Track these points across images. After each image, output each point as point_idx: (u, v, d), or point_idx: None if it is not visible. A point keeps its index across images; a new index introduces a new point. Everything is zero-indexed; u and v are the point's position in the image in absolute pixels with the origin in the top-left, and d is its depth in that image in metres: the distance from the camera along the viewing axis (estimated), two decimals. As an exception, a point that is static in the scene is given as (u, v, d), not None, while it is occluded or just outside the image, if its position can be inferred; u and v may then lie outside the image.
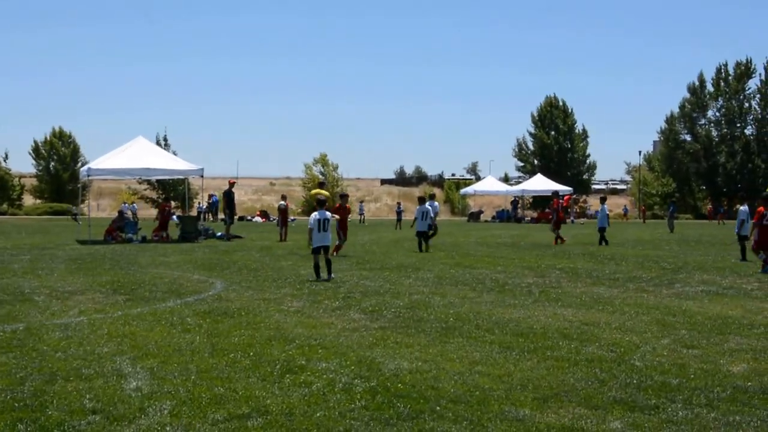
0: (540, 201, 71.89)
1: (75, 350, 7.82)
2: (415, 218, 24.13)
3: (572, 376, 6.72)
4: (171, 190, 64.74)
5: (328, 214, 15.02)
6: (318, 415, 5.54)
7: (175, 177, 38.30)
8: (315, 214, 14.79)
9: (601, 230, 26.46)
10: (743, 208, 20.03)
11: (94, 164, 29.75)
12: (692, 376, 6.72)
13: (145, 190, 67.14)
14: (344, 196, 21.03)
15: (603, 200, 28.63)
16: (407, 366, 7.07)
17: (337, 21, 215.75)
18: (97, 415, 5.56)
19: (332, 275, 14.62)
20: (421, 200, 24.39)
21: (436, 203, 27.08)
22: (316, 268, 14.62)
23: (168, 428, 5.24)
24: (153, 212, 53.77)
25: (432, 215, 23.62)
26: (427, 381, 6.51)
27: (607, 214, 27.45)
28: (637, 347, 7.97)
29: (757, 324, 9.46)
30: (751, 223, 17.13)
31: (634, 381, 6.52)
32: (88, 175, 29.76)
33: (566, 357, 7.47)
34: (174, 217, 36.19)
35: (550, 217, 28.97)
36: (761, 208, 16.94)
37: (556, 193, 31.33)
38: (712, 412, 5.64)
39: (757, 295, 12.33)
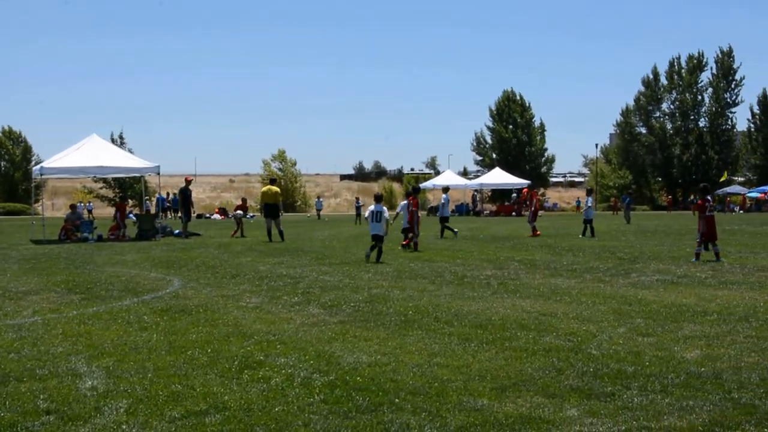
0: (498, 194, 72.48)
1: (29, 351, 7.68)
2: (589, 207, 26.91)
3: (530, 365, 6.78)
4: (128, 189, 63.97)
5: (384, 207, 17.69)
6: (276, 409, 5.51)
7: (131, 175, 37.89)
8: (371, 207, 17.77)
9: (588, 222, 26.72)
10: (588, 198, 21.45)
11: (47, 163, 29.25)
12: (647, 363, 6.82)
13: (101, 188, 66.20)
14: (416, 190, 22.17)
15: (589, 192, 29.81)
16: (366, 359, 7.07)
17: (296, 17, 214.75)
18: (51, 415, 5.46)
19: (380, 261, 16.87)
20: (590, 192, 25.47)
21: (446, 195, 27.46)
22: (370, 252, 17.09)
23: (124, 427, 5.17)
24: (110, 210, 53.15)
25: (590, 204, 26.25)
26: (386, 374, 6.52)
27: (589, 206, 27.75)
28: (594, 336, 8.08)
29: (710, 311, 9.64)
30: (698, 215, 17.39)
31: (591, 369, 6.60)
32: (41, 174, 29.26)
33: (524, 347, 7.54)
34: (131, 215, 35.81)
35: (530, 209, 29.32)
36: (700, 201, 17.27)
37: (531, 186, 31.88)
38: (667, 397, 5.73)
39: (711, 283, 12.57)
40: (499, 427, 5.06)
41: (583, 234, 26.29)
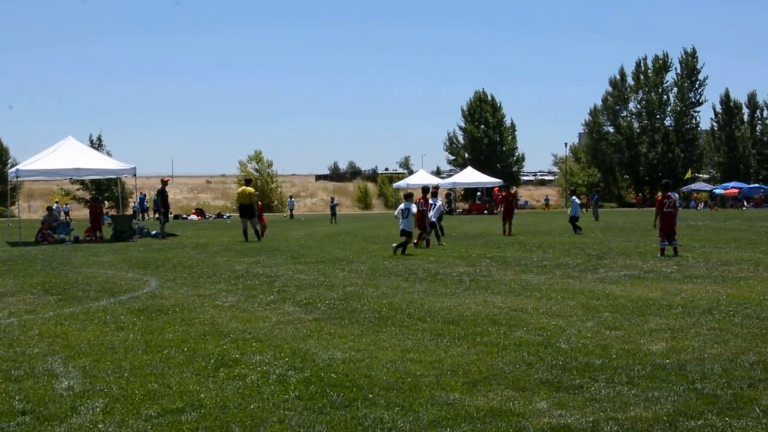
0: (471, 193, 72.92)
1: (4, 352, 7.69)
2: (576, 204, 27.58)
3: (501, 360, 6.93)
4: (105, 190, 63.54)
5: (413, 206, 19.16)
6: (252, 406, 5.60)
7: (107, 177, 37.79)
8: (401, 205, 19.32)
9: (574, 219, 27.00)
10: (574, 198, 23.36)
11: (23, 165, 29.11)
12: (614, 356, 7.00)
13: (78, 190, 65.64)
14: (426, 189, 22.45)
15: (573, 192, 31.02)
16: (341, 356, 7.18)
17: (270, 18, 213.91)
18: (27, 415, 5.50)
19: (405, 253, 18.21)
20: (573, 192, 25.35)
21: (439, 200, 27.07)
22: (397, 247, 18.55)
23: (100, 426, 5.23)
24: (86, 213, 52.68)
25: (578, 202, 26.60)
26: (360, 370, 6.63)
27: (579, 204, 28.50)
28: (563, 330, 8.25)
29: (675, 305, 9.87)
30: (654, 212, 17.62)
31: (560, 363, 6.76)
32: (17, 177, 29.13)
33: (495, 342, 7.69)
34: (107, 216, 35.62)
35: (500, 208, 29.56)
36: (660, 197, 17.52)
37: (507, 186, 32.23)
38: (633, 389, 5.89)
39: (676, 278, 12.84)
40: (470, 421, 5.19)
41: (575, 232, 26.25)
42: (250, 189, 26.32)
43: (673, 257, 16.35)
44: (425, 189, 22.17)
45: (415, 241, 21.02)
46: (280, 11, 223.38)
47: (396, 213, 19.86)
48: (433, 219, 22.44)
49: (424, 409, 5.46)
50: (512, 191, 30.70)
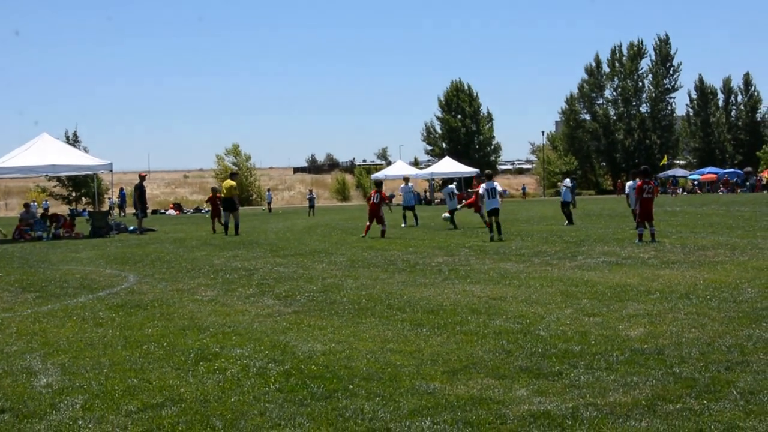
0: (448, 183, 72.97)
1: (-20, 351, 7.61)
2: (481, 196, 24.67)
3: (480, 348, 6.96)
4: (82, 186, 63.02)
5: (496, 184, 19.40)
6: (232, 400, 5.59)
7: (83, 173, 37.59)
8: (483, 185, 19.56)
9: (564, 204, 25.69)
10: (630, 183, 20.94)
11: None
12: (593, 342, 7.06)
13: (55, 187, 65.02)
14: (379, 183, 23.19)
15: (565, 174, 29.92)
16: (321, 348, 7.18)
17: (246, 14, 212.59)
18: (5, 413, 5.46)
19: (501, 236, 18.52)
20: (489, 177, 23.53)
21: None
22: (490, 227, 19.11)
23: (80, 422, 5.20)
24: (64, 209, 52.37)
25: (570, 185, 25.64)
26: (340, 361, 6.64)
27: (569, 187, 26.62)
28: (542, 318, 8.30)
29: (653, 290, 9.96)
30: (634, 198, 17.78)
31: (539, 350, 6.80)
32: None
33: (474, 331, 7.72)
34: (84, 213, 35.42)
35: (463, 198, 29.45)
36: (640, 183, 17.68)
37: (479, 176, 31.92)
38: (612, 374, 5.95)
39: (654, 263, 12.95)
40: (451, 410, 5.21)
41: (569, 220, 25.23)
42: (231, 182, 26.34)
43: (650, 243, 16.48)
44: (481, 176, 22.63)
45: (487, 224, 20.64)
46: (256, 7, 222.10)
47: (481, 192, 20.91)
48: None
49: (405, 399, 5.48)
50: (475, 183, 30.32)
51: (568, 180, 27.38)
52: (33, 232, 27.74)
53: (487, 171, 23.36)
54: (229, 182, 26.31)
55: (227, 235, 24.75)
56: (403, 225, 26.61)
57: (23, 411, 5.49)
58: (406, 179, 29.69)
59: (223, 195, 26.35)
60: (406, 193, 27.83)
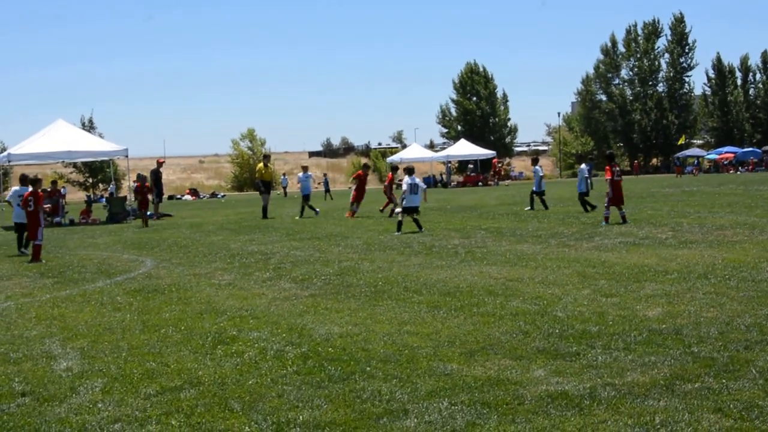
0: (465, 166, 72.82)
1: (2, 335, 7.71)
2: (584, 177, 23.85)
3: (497, 329, 6.95)
4: (98, 173, 63.42)
5: (418, 180, 18.14)
6: (250, 382, 5.62)
7: (99, 159, 37.76)
8: (407, 179, 17.80)
9: (581, 195, 23.30)
10: (584, 166, 23.13)
11: (14, 150, 29.05)
12: (611, 322, 7.02)
13: (71, 173, 65.46)
14: (366, 166, 23.67)
15: (580, 158, 29.74)
16: (338, 330, 7.19)
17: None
18: (26, 397, 5.52)
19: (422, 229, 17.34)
20: (410, 172, 22.53)
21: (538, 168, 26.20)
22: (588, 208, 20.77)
23: (100, 405, 5.25)
24: (81, 195, 52.71)
25: (586, 175, 24.09)
26: (357, 343, 6.65)
27: (586, 177, 23.93)
28: (559, 299, 8.27)
29: (670, 270, 9.90)
30: (606, 181, 17.82)
31: (557, 331, 6.78)
32: (9, 161, 29.09)
33: (492, 312, 7.71)
34: (101, 198, 35.68)
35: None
36: (608, 167, 17.77)
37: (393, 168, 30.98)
38: (630, 354, 5.92)
39: (671, 243, 12.86)
40: (468, 391, 5.21)
41: (585, 209, 22.62)
42: (259, 165, 26.56)
43: (621, 224, 16.47)
44: (364, 166, 22.69)
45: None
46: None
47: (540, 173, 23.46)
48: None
49: (422, 380, 5.48)
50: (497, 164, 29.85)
51: (584, 165, 25.00)
52: (50, 218, 27.92)
53: (409, 165, 21.95)
54: (259, 165, 26.55)
55: (266, 218, 24.76)
56: (298, 217, 24.91)
57: (44, 394, 5.54)
58: (305, 168, 28.79)
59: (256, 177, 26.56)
60: (303, 182, 26.68)
